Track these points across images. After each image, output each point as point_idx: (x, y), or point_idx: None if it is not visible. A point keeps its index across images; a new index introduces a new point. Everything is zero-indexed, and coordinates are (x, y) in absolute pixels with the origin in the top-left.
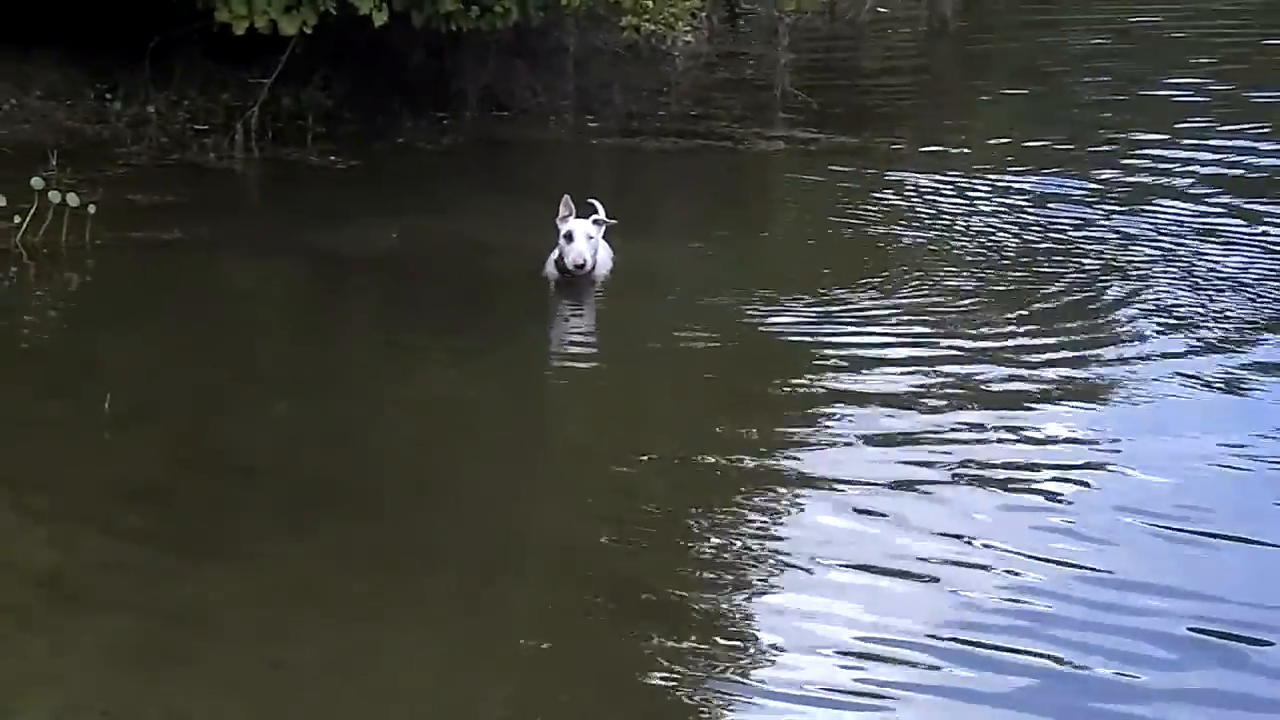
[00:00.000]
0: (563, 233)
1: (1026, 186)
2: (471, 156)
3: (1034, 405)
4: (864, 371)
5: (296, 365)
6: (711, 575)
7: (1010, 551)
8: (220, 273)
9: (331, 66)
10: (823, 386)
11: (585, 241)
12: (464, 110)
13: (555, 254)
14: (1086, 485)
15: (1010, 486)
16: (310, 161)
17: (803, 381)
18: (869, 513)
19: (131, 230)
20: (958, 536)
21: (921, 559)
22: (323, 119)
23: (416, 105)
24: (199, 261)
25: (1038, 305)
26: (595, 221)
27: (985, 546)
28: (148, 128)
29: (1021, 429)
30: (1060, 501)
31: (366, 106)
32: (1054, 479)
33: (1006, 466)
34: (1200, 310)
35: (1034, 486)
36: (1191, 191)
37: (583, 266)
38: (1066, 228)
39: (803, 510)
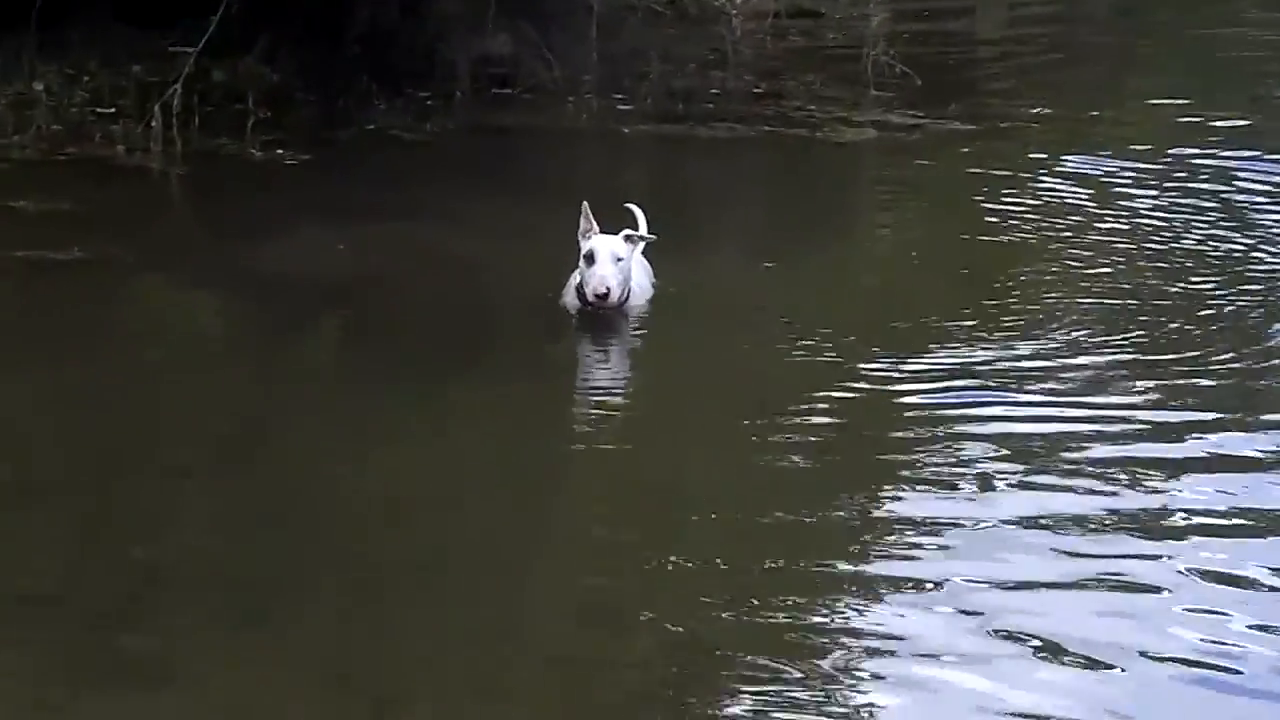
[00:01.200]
0: (583, 252)
1: (1205, 173)
2: (463, 149)
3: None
4: (992, 451)
5: (230, 425)
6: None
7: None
8: (131, 302)
9: (278, 30)
10: (935, 475)
11: (611, 264)
12: (454, 88)
13: (575, 278)
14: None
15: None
16: (250, 155)
17: (911, 463)
18: (960, 622)
19: (15, 247)
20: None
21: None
22: (267, 99)
23: (391, 81)
24: (103, 287)
25: (1245, 350)
26: (627, 238)
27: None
28: (35, 111)
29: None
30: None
31: (325, 83)
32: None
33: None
34: None
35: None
36: None
37: (606, 296)
38: (1265, 224)
39: (898, 629)
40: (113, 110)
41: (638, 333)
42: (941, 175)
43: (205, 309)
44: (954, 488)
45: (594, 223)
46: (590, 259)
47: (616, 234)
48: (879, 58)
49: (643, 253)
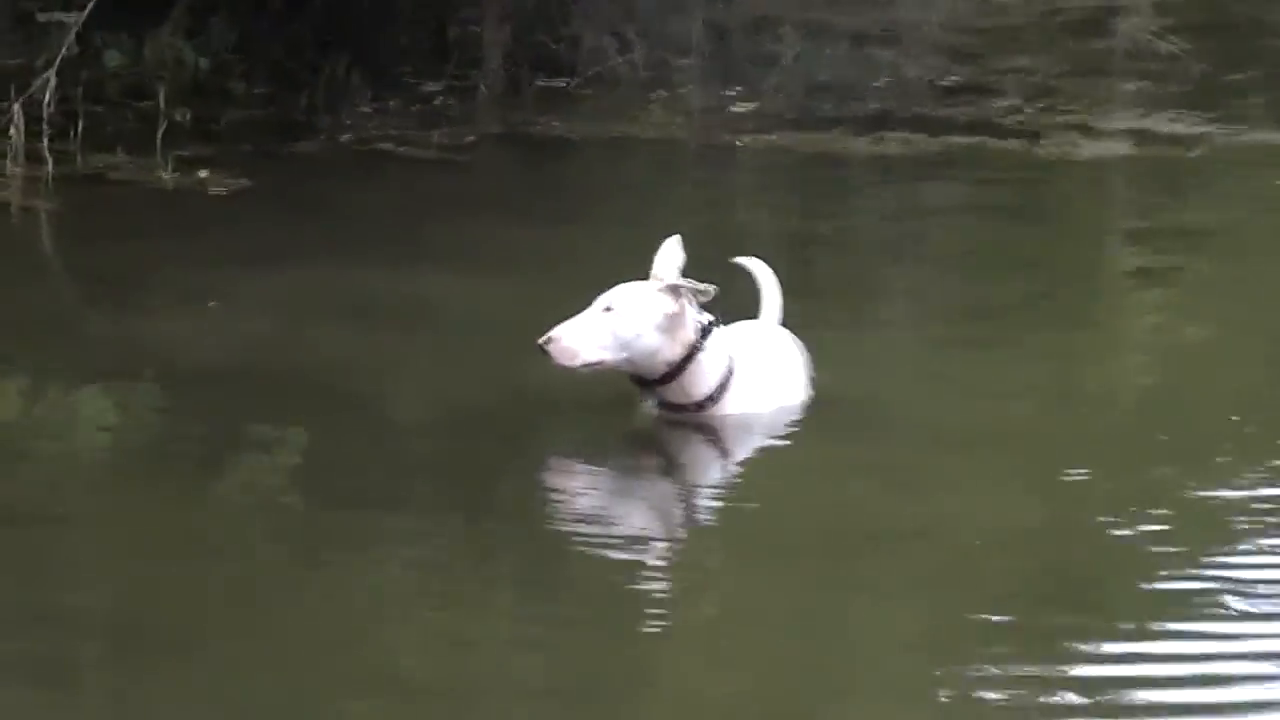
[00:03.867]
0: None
1: None
2: (490, 170)
3: None
4: None
5: (114, 611)
6: None
7: None
8: None
9: None
10: None
11: (589, 318)
12: (477, 77)
13: None
14: None
15: None
16: (159, 181)
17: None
18: None
19: None
20: None
21: None
22: (189, 96)
23: (380, 69)
24: None
25: None
26: (672, 290)
27: None
28: None
29: None
30: None
31: (279, 71)
32: None
33: None
34: None
35: None
36: None
37: (545, 349)
38: None
39: None
40: None
41: (732, 461)
42: (1245, 216)
43: (82, 421)
44: None
45: (676, 271)
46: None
47: (666, 281)
48: (1139, 34)
49: (791, 337)
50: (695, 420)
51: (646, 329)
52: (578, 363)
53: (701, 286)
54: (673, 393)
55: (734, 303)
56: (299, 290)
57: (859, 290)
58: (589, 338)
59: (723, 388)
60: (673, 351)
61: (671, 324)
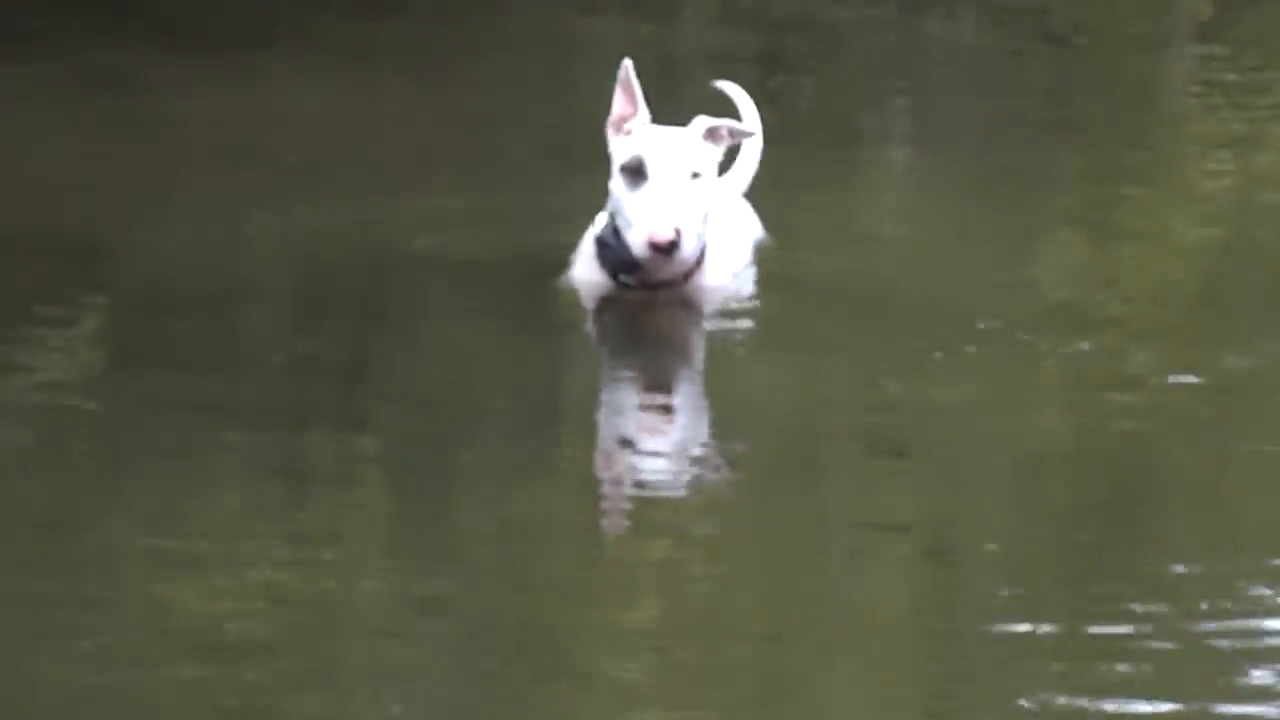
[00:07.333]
0: (621, 161)
1: None
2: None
3: None
4: None
5: None
6: None
7: None
8: None
9: None
10: None
11: (678, 186)
12: None
13: (603, 223)
14: None
15: None
16: None
17: None
18: None
19: None
20: None
21: None
22: None
23: None
24: None
25: None
26: (710, 133)
27: None
28: None
29: None
30: None
31: None
32: None
33: None
34: None
35: None
36: None
37: (670, 249)
38: None
39: None
40: None
41: (733, 337)
42: None
43: None
44: None
45: (642, 103)
46: (637, 173)
47: (690, 126)
48: None
49: (740, 176)
50: (671, 297)
51: (717, 192)
52: (692, 251)
53: (744, 127)
54: (667, 264)
55: None
56: (69, 103)
57: (845, 138)
58: (690, 216)
59: (701, 253)
60: None
61: None
